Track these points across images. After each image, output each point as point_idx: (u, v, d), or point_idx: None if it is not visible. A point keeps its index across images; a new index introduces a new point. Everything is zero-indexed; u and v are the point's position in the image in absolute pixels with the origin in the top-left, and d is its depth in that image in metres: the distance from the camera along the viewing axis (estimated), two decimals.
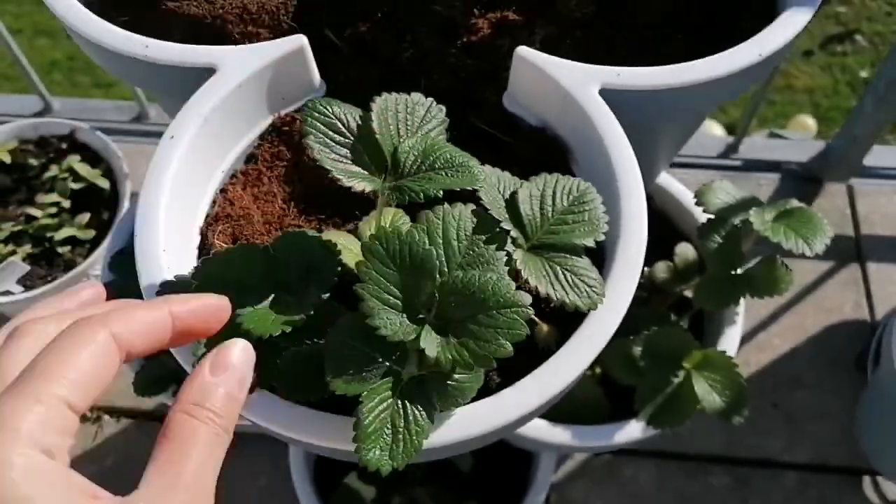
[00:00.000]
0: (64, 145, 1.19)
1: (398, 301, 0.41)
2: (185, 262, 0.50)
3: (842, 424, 1.19)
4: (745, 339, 1.28)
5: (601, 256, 0.49)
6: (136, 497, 0.31)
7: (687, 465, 1.17)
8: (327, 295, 0.45)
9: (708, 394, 0.70)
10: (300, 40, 0.55)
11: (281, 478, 1.16)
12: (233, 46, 0.54)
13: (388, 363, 0.41)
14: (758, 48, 0.54)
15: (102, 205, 1.15)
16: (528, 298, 0.40)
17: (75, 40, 0.58)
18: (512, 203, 0.45)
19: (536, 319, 0.49)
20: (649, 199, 0.90)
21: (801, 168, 1.45)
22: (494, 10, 0.64)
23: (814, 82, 2.43)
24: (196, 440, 0.34)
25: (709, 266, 0.72)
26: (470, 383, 0.43)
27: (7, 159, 1.17)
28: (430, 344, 0.40)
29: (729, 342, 0.78)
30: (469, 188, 0.44)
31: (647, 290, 0.80)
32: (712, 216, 0.71)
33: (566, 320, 0.48)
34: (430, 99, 0.47)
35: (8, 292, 1.08)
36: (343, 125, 0.44)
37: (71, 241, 1.12)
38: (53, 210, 1.14)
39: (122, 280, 0.73)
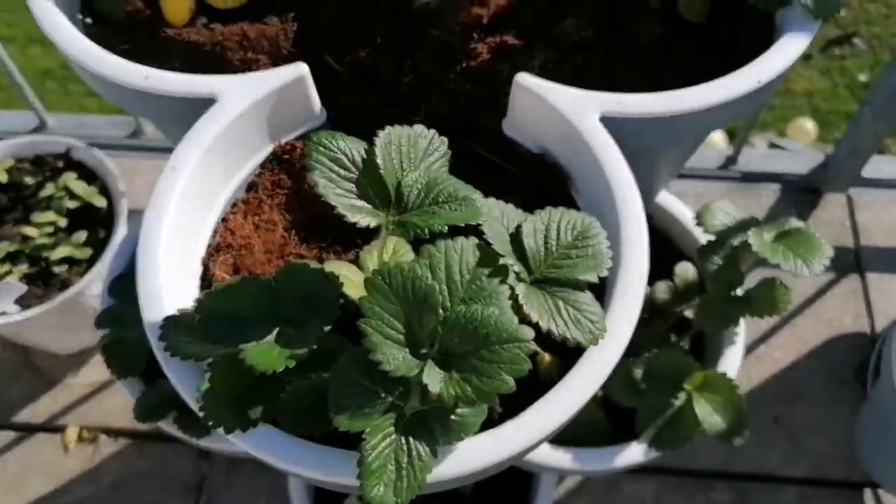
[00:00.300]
0: (60, 163, 1.18)
1: (401, 336, 0.41)
2: (187, 293, 0.50)
3: (842, 437, 1.19)
4: (746, 351, 1.27)
5: (602, 284, 0.49)
6: None
7: (688, 480, 1.17)
8: (329, 328, 0.45)
9: (709, 415, 0.70)
10: (301, 68, 0.55)
11: (279, 498, 1.16)
12: (233, 76, 0.54)
13: (390, 398, 0.41)
14: (756, 75, 0.54)
15: (99, 223, 1.15)
16: (530, 333, 0.40)
17: (76, 71, 0.58)
18: (516, 237, 0.45)
19: (539, 350, 0.49)
20: (649, 218, 0.90)
21: (801, 179, 1.45)
22: (493, 34, 0.64)
23: (813, 86, 2.44)
24: None
25: (709, 287, 0.72)
26: (473, 418, 0.43)
27: (3, 178, 1.16)
28: (433, 379, 0.40)
29: (729, 363, 0.78)
30: (472, 222, 0.44)
31: (648, 311, 0.80)
32: (712, 237, 0.71)
33: (568, 350, 0.48)
34: (433, 131, 0.47)
35: (4, 313, 1.07)
36: (348, 159, 0.44)
37: (67, 260, 1.12)
38: (50, 229, 1.13)
39: (122, 305, 0.72)
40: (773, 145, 1.84)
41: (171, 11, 0.60)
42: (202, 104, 0.54)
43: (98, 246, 1.13)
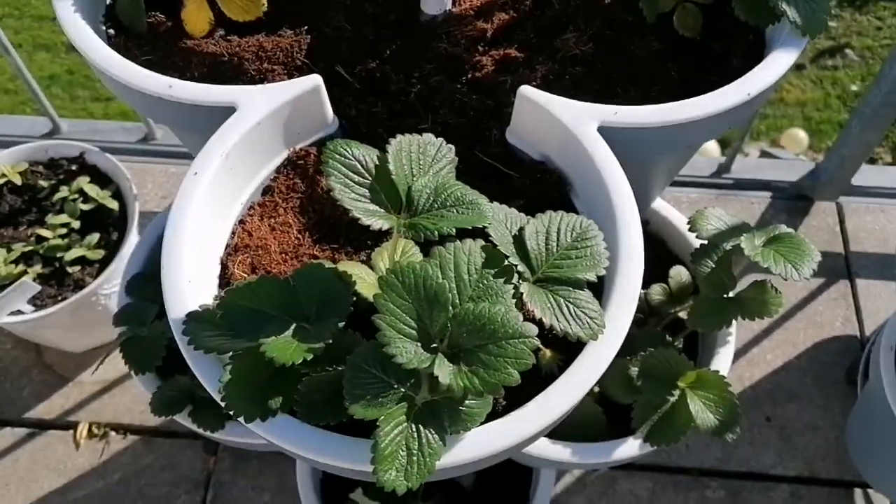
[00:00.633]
0: (74, 167, 1.21)
1: (413, 331, 0.44)
2: (207, 291, 0.53)
3: (833, 437, 1.22)
4: (739, 353, 1.31)
5: (600, 284, 0.53)
6: None
7: (683, 478, 1.20)
8: (343, 324, 0.48)
9: (702, 412, 0.73)
10: (315, 80, 0.58)
11: (285, 493, 1.19)
12: (252, 86, 0.57)
13: (403, 389, 0.44)
14: (746, 88, 0.57)
15: (112, 225, 1.18)
16: (534, 329, 0.43)
17: (101, 79, 0.61)
18: (519, 239, 0.48)
19: (540, 346, 0.52)
20: (646, 223, 0.94)
21: (792, 187, 1.48)
22: (497, 47, 0.67)
23: (805, 96, 2.48)
24: None
25: (702, 289, 0.75)
26: (479, 408, 0.46)
27: (18, 181, 1.19)
28: (443, 372, 0.43)
29: (722, 362, 0.81)
30: (479, 225, 0.47)
31: (643, 312, 0.83)
32: (705, 241, 0.74)
33: (568, 345, 0.51)
34: (441, 139, 0.50)
35: (19, 311, 1.10)
36: (362, 166, 0.47)
37: (80, 261, 1.15)
38: (63, 231, 1.16)
39: (138, 303, 0.75)
40: (765, 154, 1.88)
41: (192, 24, 0.64)
42: (222, 113, 0.57)
43: (111, 247, 1.16)
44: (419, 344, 0.44)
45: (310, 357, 0.45)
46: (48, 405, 1.27)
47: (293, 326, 0.47)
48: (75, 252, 1.14)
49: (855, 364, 1.24)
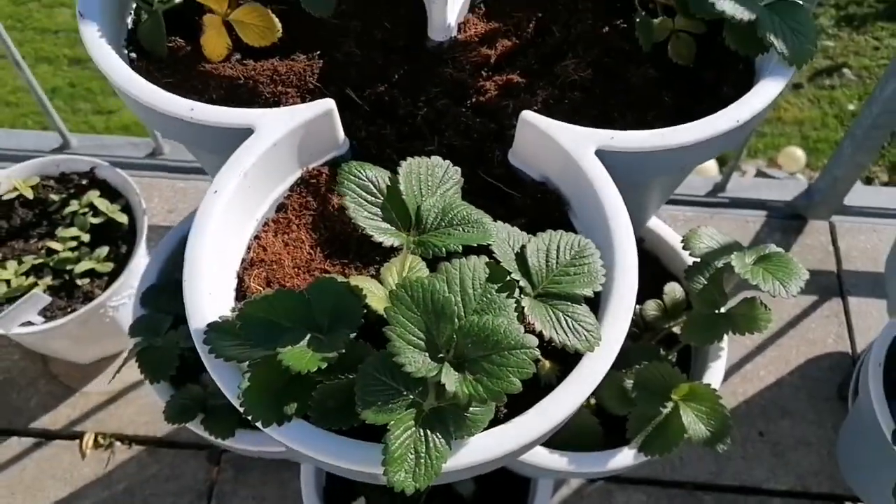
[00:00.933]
0: (84, 181, 1.25)
1: (421, 342, 0.47)
2: (225, 303, 0.56)
3: (825, 453, 1.25)
4: (733, 369, 1.34)
5: (597, 299, 0.56)
6: None
7: (677, 492, 1.22)
8: (354, 335, 0.51)
9: (694, 423, 0.76)
10: (328, 104, 0.61)
11: (286, 503, 1.21)
12: (268, 109, 0.60)
13: (411, 396, 0.47)
14: (735, 115, 0.61)
15: (121, 238, 1.21)
16: (534, 341, 0.46)
17: (124, 100, 0.64)
18: (521, 256, 0.51)
19: (540, 356, 0.55)
20: (640, 241, 0.97)
21: (786, 206, 1.52)
22: (500, 73, 0.70)
23: (803, 114, 2.53)
24: None
25: (695, 305, 0.78)
26: (483, 415, 0.49)
27: (29, 194, 1.22)
28: (450, 380, 0.46)
29: (714, 375, 0.84)
30: (483, 243, 0.50)
31: (639, 327, 0.86)
32: (698, 259, 0.77)
33: (566, 357, 0.54)
34: (448, 161, 0.53)
35: (29, 323, 1.13)
36: (374, 186, 0.50)
37: (90, 273, 1.18)
38: (73, 244, 1.19)
39: (153, 314, 0.78)
40: (760, 173, 1.92)
41: (210, 49, 0.67)
42: (240, 134, 0.60)
43: (119, 260, 1.19)
44: (427, 354, 0.47)
45: (324, 366, 0.48)
46: (54, 415, 1.29)
47: (308, 337, 0.50)
48: (85, 265, 1.17)
49: (846, 380, 1.27)
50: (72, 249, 1.19)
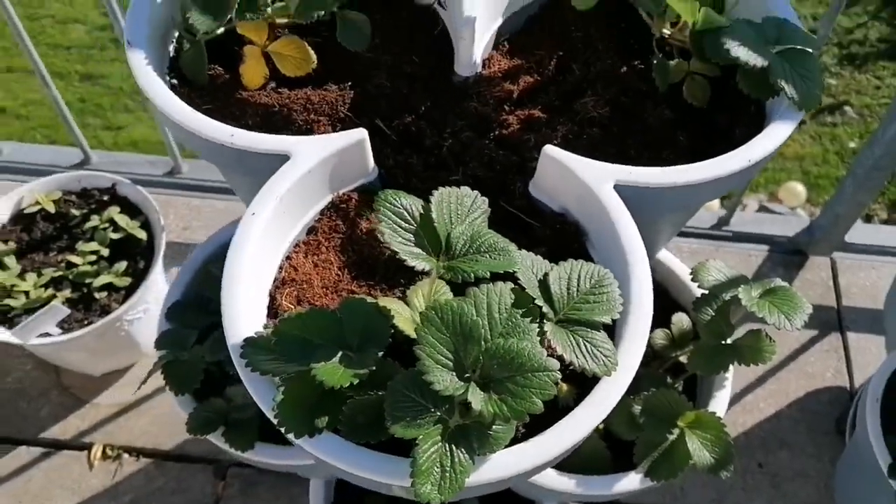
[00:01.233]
0: (105, 197, 1.28)
1: (449, 361, 0.50)
2: (258, 320, 0.59)
3: (822, 485, 1.27)
4: (734, 401, 1.36)
5: (613, 326, 0.58)
6: None
7: None
8: (382, 353, 0.54)
9: (699, 450, 0.78)
10: (361, 133, 0.64)
11: None
12: (304, 137, 0.64)
13: (438, 413, 0.50)
14: (748, 155, 0.64)
15: (139, 254, 1.24)
16: (556, 364, 0.49)
17: (165, 125, 0.67)
18: (544, 283, 0.54)
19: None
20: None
21: (788, 241, 1.55)
22: (522, 108, 0.74)
23: (804, 150, 2.57)
24: None
25: (702, 335, 0.81)
26: (504, 433, 0.52)
27: (51, 209, 1.25)
28: (476, 399, 0.49)
29: (718, 404, 0.86)
30: (509, 270, 0.53)
31: (647, 355, 0.88)
32: (706, 291, 0.80)
33: (582, 381, 0.56)
34: (476, 192, 0.56)
35: (47, 334, 1.15)
36: (408, 213, 0.53)
37: (108, 287, 1.20)
38: (93, 258, 1.22)
39: (178, 329, 0.81)
40: (763, 208, 1.95)
41: (248, 77, 0.70)
42: (276, 159, 0.63)
43: (137, 275, 1.22)
44: (454, 373, 0.50)
45: (355, 382, 0.51)
46: (64, 426, 1.31)
47: (339, 354, 0.53)
48: (103, 279, 1.20)
49: (844, 415, 1.29)
50: (91, 263, 1.21)
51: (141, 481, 1.27)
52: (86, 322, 1.18)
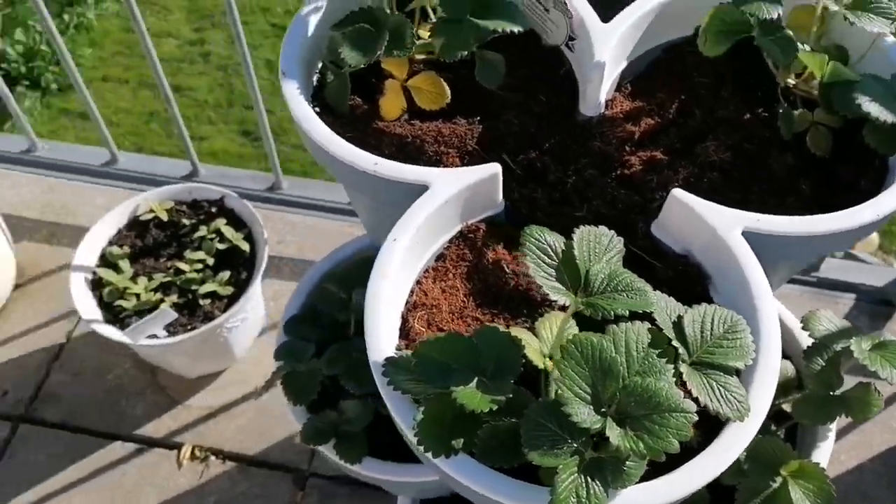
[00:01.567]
0: (213, 209, 1.34)
1: (587, 395, 0.52)
2: (392, 341, 0.62)
3: None
4: None
5: (738, 372, 0.59)
6: None
7: None
8: (513, 381, 0.56)
9: (802, 500, 0.77)
10: (495, 168, 0.67)
11: None
12: (443, 169, 0.67)
13: (575, 444, 0.52)
14: (877, 209, 0.65)
15: (242, 265, 1.30)
16: (693, 406, 0.50)
17: (311, 149, 0.72)
18: (678, 325, 0.56)
19: None
20: None
21: (877, 291, 1.52)
22: (644, 149, 0.76)
23: None
24: None
25: (809, 385, 0.81)
26: (636, 469, 0.53)
27: (164, 217, 1.33)
28: (614, 434, 0.51)
29: (822, 455, 0.85)
30: (645, 310, 0.55)
31: None
32: (816, 341, 0.80)
33: (707, 422, 0.57)
34: (612, 231, 0.59)
35: (154, 336, 1.21)
36: (551, 249, 0.55)
37: (212, 295, 1.26)
38: (199, 266, 1.28)
39: (296, 341, 0.85)
40: (849, 255, 1.91)
41: (387, 109, 0.74)
42: (414, 189, 0.67)
43: (239, 285, 1.28)
44: (591, 407, 0.52)
45: (494, 408, 0.53)
46: (157, 424, 1.37)
47: (475, 380, 0.55)
48: (208, 287, 1.26)
49: None
50: (197, 271, 1.28)
51: (226, 484, 1.32)
52: (190, 327, 1.24)
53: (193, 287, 1.26)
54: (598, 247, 0.58)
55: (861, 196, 0.68)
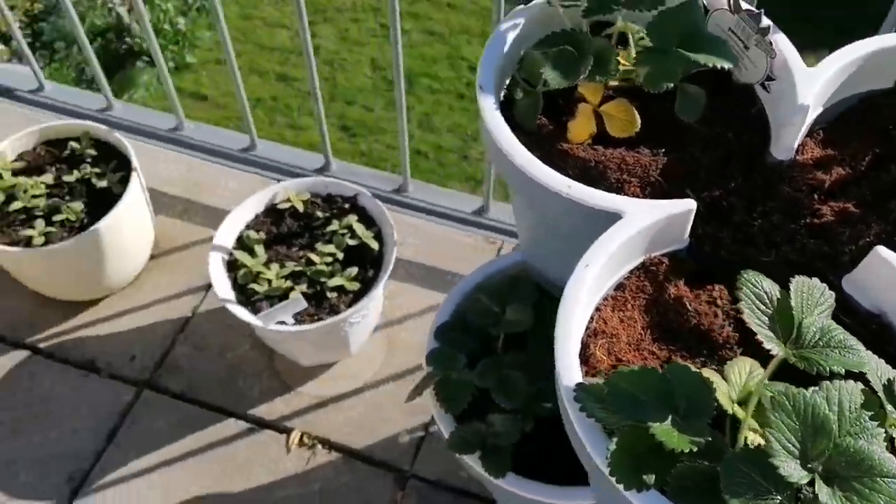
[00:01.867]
0: (346, 205, 1.38)
1: (796, 450, 0.51)
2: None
3: None
4: None
5: None
6: None
7: None
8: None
9: None
10: (691, 204, 0.67)
11: None
12: (638, 199, 0.67)
13: (779, 497, 0.51)
14: None
15: (370, 263, 1.32)
16: None
17: (500, 165, 0.73)
18: (888, 388, 0.54)
19: None
20: None
21: None
22: (833, 199, 0.74)
23: None
24: None
25: None
26: None
27: (300, 208, 1.37)
28: (822, 492, 0.49)
29: None
30: (858, 370, 0.53)
31: None
32: None
33: None
34: (824, 285, 0.57)
35: (283, 322, 1.25)
36: (767, 297, 0.55)
37: (339, 289, 1.29)
38: (329, 259, 1.31)
39: (446, 349, 0.86)
40: None
41: (575, 132, 0.75)
42: (603, 216, 0.67)
43: (366, 283, 1.30)
44: (799, 462, 0.51)
45: (694, 448, 0.53)
46: (270, 407, 1.41)
47: (669, 417, 0.55)
48: (336, 280, 1.29)
49: None
50: (327, 264, 1.31)
51: (330, 473, 1.35)
52: (316, 317, 1.27)
53: (322, 279, 1.29)
54: (811, 299, 0.57)
55: None
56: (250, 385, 1.43)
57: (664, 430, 0.54)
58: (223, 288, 1.28)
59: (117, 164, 1.40)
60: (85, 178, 1.38)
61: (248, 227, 1.36)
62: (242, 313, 1.25)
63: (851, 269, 0.68)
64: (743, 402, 0.58)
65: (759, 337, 0.53)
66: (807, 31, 1.38)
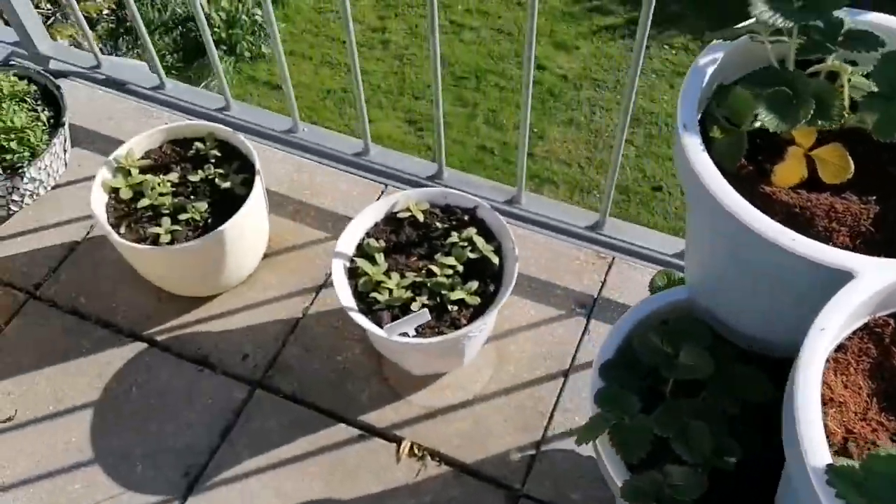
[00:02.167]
0: (466, 217, 1.35)
1: None
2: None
3: None
4: None
5: None
6: None
7: None
8: None
9: None
10: None
11: None
12: (873, 258, 0.63)
13: None
14: None
15: (490, 278, 1.30)
16: None
17: (704, 208, 0.69)
18: None
19: None
20: None
21: None
22: None
23: None
24: None
25: None
26: None
27: (420, 217, 1.34)
28: None
29: None
30: None
31: None
32: None
33: None
34: None
35: (406, 334, 1.24)
36: None
37: (459, 302, 1.27)
38: (449, 272, 1.29)
39: (616, 389, 0.83)
40: None
41: (783, 175, 0.71)
42: (829, 272, 0.63)
43: (486, 298, 1.28)
44: None
45: None
46: (380, 414, 1.40)
47: None
48: (458, 293, 1.27)
49: None
50: (447, 276, 1.29)
51: (439, 486, 1.33)
52: (437, 330, 1.25)
53: (443, 292, 1.27)
54: None
55: None
56: (360, 389, 1.42)
57: None
58: (346, 295, 1.27)
59: (239, 165, 1.40)
60: (209, 178, 1.38)
61: (368, 234, 1.34)
62: (366, 323, 1.24)
63: None
64: None
65: None
66: None
